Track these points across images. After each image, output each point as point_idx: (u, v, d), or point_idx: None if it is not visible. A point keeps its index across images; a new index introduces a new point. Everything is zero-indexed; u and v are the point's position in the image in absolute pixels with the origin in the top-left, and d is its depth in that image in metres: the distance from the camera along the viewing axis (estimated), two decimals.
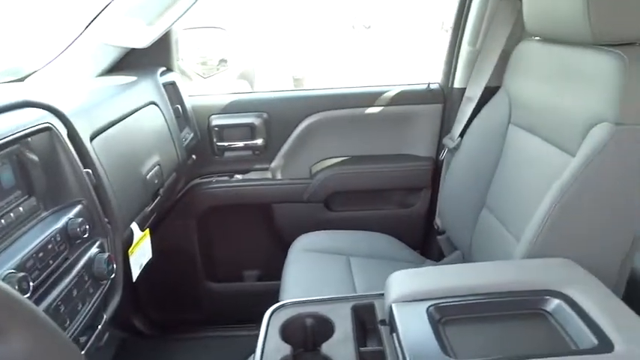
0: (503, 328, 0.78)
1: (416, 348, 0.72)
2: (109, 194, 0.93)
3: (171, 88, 1.46)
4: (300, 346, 0.87)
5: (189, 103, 1.52)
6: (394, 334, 0.78)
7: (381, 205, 1.69)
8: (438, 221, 1.61)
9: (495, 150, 1.31)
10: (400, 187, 1.66)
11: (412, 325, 0.77)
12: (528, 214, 1.02)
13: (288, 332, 0.85)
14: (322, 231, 1.54)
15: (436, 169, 1.63)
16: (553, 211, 0.95)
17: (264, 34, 4.84)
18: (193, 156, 1.52)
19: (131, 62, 1.39)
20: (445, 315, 0.79)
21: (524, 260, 0.96)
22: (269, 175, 1.64)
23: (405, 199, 1.68)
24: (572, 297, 0.79)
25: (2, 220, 0.72)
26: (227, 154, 1.63)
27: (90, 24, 1.32)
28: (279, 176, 1.64)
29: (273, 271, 1.52)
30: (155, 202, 1.21)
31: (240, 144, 1.61)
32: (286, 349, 0.80)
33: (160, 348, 1.67)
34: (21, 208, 0.76)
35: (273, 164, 1.64)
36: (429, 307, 0.80)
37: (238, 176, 1.63)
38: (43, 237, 0.74)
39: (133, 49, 1.36)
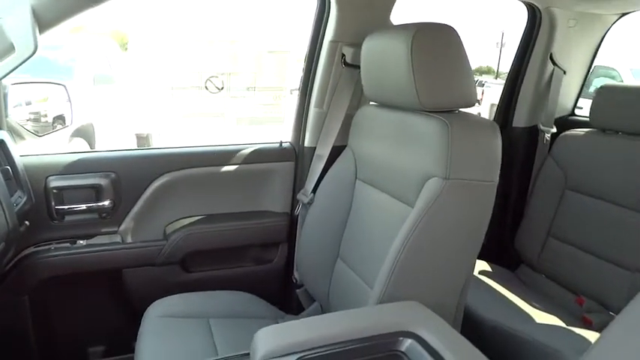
0: None
1: None
2: None
3: (0, 148, 1.30)
4: None
5: (21, 163, 1.36)
6: None
7: (239, 262, 1.67)
8: (296, 275, 1.65)
9: (345, 204, 1.41)
10: (257, 243, 1.68)
11: None
12: (378, 261, 1.11)
13: None
14: (178, 295, 1.46)
15: (292, 224, 1.68)
16: (399, 259, 1.05)
17: (105, 88, 4.60)
18: (26, 222, 1.35)
19: None
20: None
21: (378, 306, 1.04)
22: (118, 238, 1.53)
23: (262, 255, 1.70)
24: (422, 336, 0.88)
25: None
26: (68, 217, 1.48)
27: None
28: (129, 239, 1.53)
29: (124, 343, 1.38)
30: None
31: (84, 206, 1.48)
32: None
33: None
34: None
35: (122, 227, 1.53)
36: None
37: (81, 242, 1.49)
38: None
39: None
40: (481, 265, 1.87)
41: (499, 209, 2.01)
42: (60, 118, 1.94)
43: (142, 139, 4.93)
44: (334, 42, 1.51)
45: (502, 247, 2.04)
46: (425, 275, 1.08)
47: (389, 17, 1.51)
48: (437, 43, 1.12)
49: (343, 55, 1.51)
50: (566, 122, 1.98)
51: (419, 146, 1.13)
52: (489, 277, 1.81)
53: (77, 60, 4.69)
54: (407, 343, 0.87)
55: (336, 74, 1.55)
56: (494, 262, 1.95)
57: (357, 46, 1.37)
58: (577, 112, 2.08)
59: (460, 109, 1.18)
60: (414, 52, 1.09)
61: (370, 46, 1.28)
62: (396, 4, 1.52)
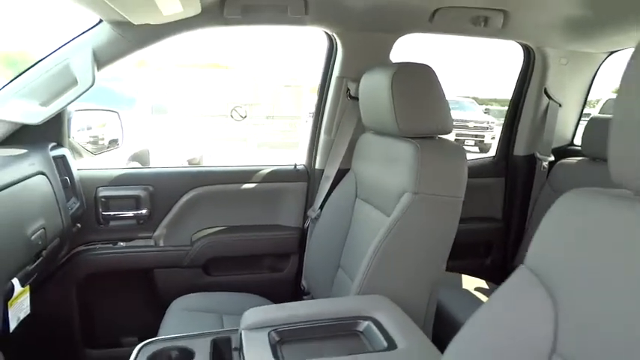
0: (325, 344, 1.01)
1: None
2: None
3: (61, 161, 1.60)
4: None
5: (77, 175, 1.66)
6: (241, 354, 0.97)
7: (254, 269, 1.89)
8: (304, 282, 1.84)
9: (346, 219, 1.61)
10: (271, 253, 1.89)
11: (256, 346, 0.97)
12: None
13: None
14: (199, 293, 1.69)
15: (302, 237, 1.88)
16: (374, 259, 1.24)
17: (159, 118, 5.05)
18: (78, 224, 1.63)
19: (24, 137, 1.52)
20: (283, 337, 1.01)
21: (350, 297, 1.22)
22: (152, 242, 1.79)
23: (275, 264, 1.91)
24: (379, 320, 1.05)
25: None
26: (112, 223, 1.76)
27: None
28: (161, 244, 1.79)
29: (151, 334, 1.61)
30: (37, 262, 1.31)
31: (126, 214, 1.76)
32: None
33: None
34: None
35: (156, 233, 1.79)
36: (270, 332, 1.01)
37: (122, 244, 1.76)
38: None
39: (27, 125, 1.50)
40: (481, 283, 1.99)
41: (501, 232, 2.14)
42: (114, 141, 2.25)
43: (193, 164, 5.34)
44: (340, 77, 1.74)
45: (504, 268, 2.15)
46: (397, 274, 1.26)
47: (388, 56, 1.72)
48: (414, 80, 1.33)
49: (348, 89, 1.73)
50: (566, 151, 2.10)
51: (397, 166, 1.33)
52: (485, 294, 1.93)
53: (139, 91, 5.21)
54: (365, 325, 1.05)
55: (342, 105, 1.77)
56: (497, 282, 2.06)
57: (360, 81, 1.59)
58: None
59: (439, 136, 1.37)
60: (394, 86, 1.30)
61: (365, 82, 1.50)
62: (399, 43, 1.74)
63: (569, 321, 0.60)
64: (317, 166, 1.87)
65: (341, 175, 1.73)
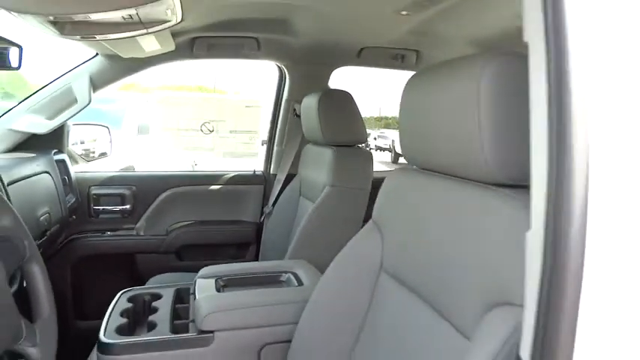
0: (257, 289, 1.40)
1: (203, 297, 1.31)
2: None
3: (62, 164, 2.00)
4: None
5: (74, 175, 2.05)
6: (194, 295, 1.36)
7: (219, 256, 2.27)
8: None
9: (292, 214, 2.02)
10: (233, 242, 2.29)
11: (205, 288, 1.36)
12: None
13: (131, 302, 1.39)
14: (171, 273, 2.07)
15: (259, 229, 2.28)
16: (300, 235, 1.65)
17: (143, 137, 5.43)
18: (74, 216, 2.02)
19: (33, 144, 1.91)
20: (226, 283, 1.41)
21: (280, 261, 1.63)
22: (134, 232, 2.18)
23: (237, 252, 2.30)
24: (297, 273, 1.46)
25: None
26: (102, 215, 2.14)
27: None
28: (142, 233, 2.18)
29: None
30: (42, 239, 1.70)
31: (113, 208, 2.15)
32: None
33: None
34: None
35: (138, 224, 2.18)
36: (217, 279, 1.41)
37: (109, 233, 2.14)
38: None
39: (35, 134, 1.90)
40: None
41: None
42: (103, 154, 2.64)
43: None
44: (288, 100, 2.18)
45: None
46: (316, 246, 1.66)
47: (327, 83, 2.17)
48: (335, 102, 1.76)
49: (294, 109, 2.17)
50: None
51: (322, 167, 1.75)
52: None
53: (125, 112, 5.62)
54: (286, 276, 1.46)
55: (291, 122, 2.20)
56: None
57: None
58: None
59: (358, 145, 1.80)
60: (320, 107, 1.73)
61: (304, 104, 1.93)
62: (336, 73, 2.19)
63: (390, 246, 1.01)
64: (272, 171, 2.29)
65: (290, 178, 2.15)
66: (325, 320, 1.09)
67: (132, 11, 1.10)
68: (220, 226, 2.27)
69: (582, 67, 0.43)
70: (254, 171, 2.33)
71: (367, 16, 1.58)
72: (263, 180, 2.32)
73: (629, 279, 0.45)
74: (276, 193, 2.20)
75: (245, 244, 2.30)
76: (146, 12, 1.14)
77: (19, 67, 1.50)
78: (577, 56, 0.43)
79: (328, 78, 2.19)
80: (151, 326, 1.25)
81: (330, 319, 1.08)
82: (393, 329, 0.93)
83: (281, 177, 2.22)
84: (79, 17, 1.14)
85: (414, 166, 1.00)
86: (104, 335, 1.19)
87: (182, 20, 1.30)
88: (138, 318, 1.35)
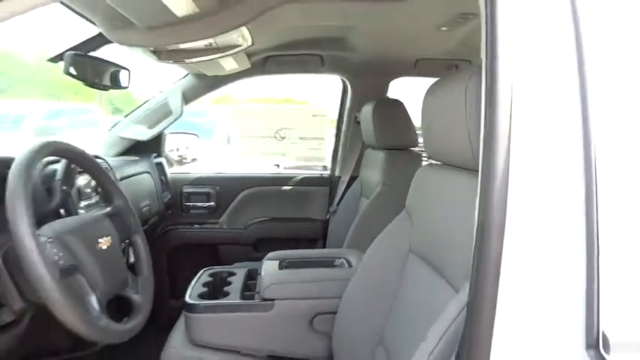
0: (315, 269, 1.64)
1: (267, 273, 1.57)
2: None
3: (160, 166, 2.38)
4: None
5: (170, 176, 2.42)
6: (261, 274, 1.62)
7: (291, 249, 2.54)
8: None
9: (354, 210, 2.24)
10: (302, 237, 2.54)
11: (270, 266, 1.62)
12: None
13: (211, 277, 1.69)
14: (248, 262, 2.37)
15: (325, 226, 2.52)
16: (356, 227, 1.86)
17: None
18: (169, 210, 2.39)
19: (137, 149, 2.31)
20: (288, 264, 1.66)
21: (336, 249, 1.85)
22: (217, 226, 2.51)
23: (305, 247, 2.55)
24: (349, 259, 1.67)
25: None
26: (191, 211, 2.50)
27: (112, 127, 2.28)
28: (224, 227, 2.51)
29: None
30: (145, 226, 2.06)
31: (200, 204, 2.49)
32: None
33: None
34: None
35: (221, 219, 2.51)
36: (281, 261, 1.66)
37: (197, 226, 2.50)
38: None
39: (139, 141, 2.28)
40: None
41: None
42: (194, 159, 3.02)
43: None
44: (350, 109, 2.41)
45: None
46: (369, 237, 1.86)
47: (385, 93, 2.37)
48: (388, 109, 1.97)
49: (356, 117, 2.39)
50: None
51: (376, 167, 1.96)
52: None
53: (217, 124, 6.18)
54: (340, 261, 1.68)
55: (353, 129, 2.43)
56: None
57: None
58: None
59: (410, 148, 1.99)
60: (374, 115, 1.94)
61: (362, 111, 2.15)
62: (394, 83, 2.39)
63: (416, 230, 1.20)
64: (337, 173, 2.53)
65: (352, 180, 2.37)
66: (363, 295, 1.30)
67: (211, 40, 1.40)
68: (291, 222, 2.53)
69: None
70: (321, 174, 2.58)
71: (413, 32, 1.77)
72: (329, 182, 2.56)
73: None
74: (341, 193, 2.43)
75: (313, 239, 2.55)
76: (222, 40, 1.43)
77: (127, 87, 1.88)
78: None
79: (387, 88, 2.39)
80: (225, 294, 1.53)
81: (367, 293, 1.29)
82: (417, 303, 1.12)
83: (345, 179, 2.44)
84: (173, 47, 1.46)
85: (438, 162, 1.18)
86: (189, 297, 1.49)
87: (253, 44, 1.58)
88: (216, 288, 1.64)
